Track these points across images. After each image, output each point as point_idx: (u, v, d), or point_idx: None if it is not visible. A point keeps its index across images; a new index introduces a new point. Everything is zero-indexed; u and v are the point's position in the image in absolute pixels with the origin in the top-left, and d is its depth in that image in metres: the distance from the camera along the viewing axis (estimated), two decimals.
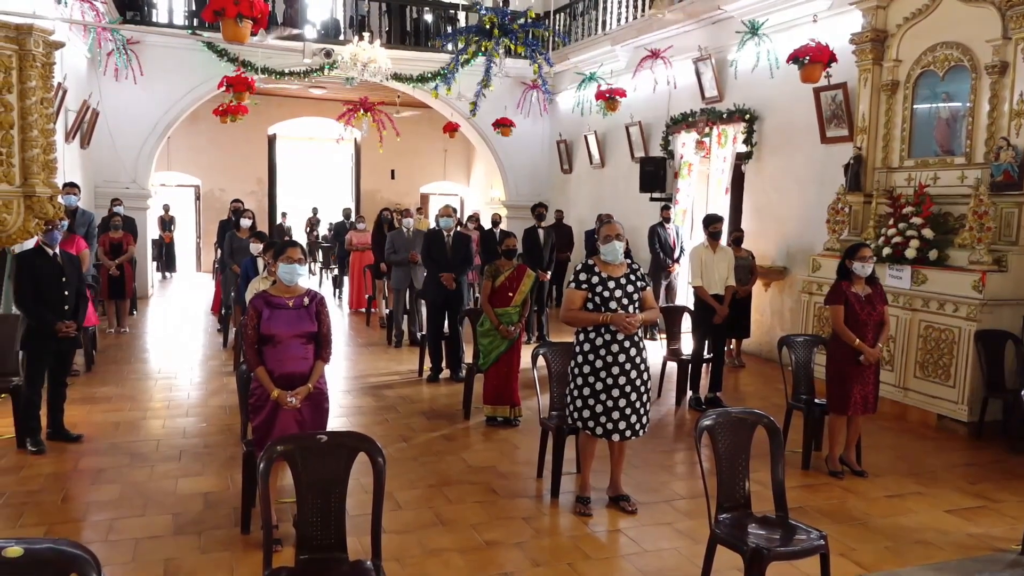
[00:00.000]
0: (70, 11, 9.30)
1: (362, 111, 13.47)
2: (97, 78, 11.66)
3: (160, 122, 12.56)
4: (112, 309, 9.76)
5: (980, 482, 5.11)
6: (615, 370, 4.25)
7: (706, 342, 6.84)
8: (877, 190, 7.29)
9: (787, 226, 8.94)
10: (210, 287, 13.63)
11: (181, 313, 11.77)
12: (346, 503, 2.98)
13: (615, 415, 4.27)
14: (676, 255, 9.94)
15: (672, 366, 7.21)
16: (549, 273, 9.53)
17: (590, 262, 4.39)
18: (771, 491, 3.45)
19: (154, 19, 12.72)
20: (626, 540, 4.16)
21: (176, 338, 9.66)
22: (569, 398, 4.43)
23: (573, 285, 4.33)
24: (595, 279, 4.29)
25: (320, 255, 16.86)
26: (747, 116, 9.42)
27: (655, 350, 7.86)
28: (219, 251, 11.05)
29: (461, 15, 13.92)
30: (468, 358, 7.18)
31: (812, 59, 7.45)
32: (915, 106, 7.06)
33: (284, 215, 18.15)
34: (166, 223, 16.71)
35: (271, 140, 18.29)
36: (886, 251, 6.66)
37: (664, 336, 7.72)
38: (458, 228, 8.38)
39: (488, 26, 11.30)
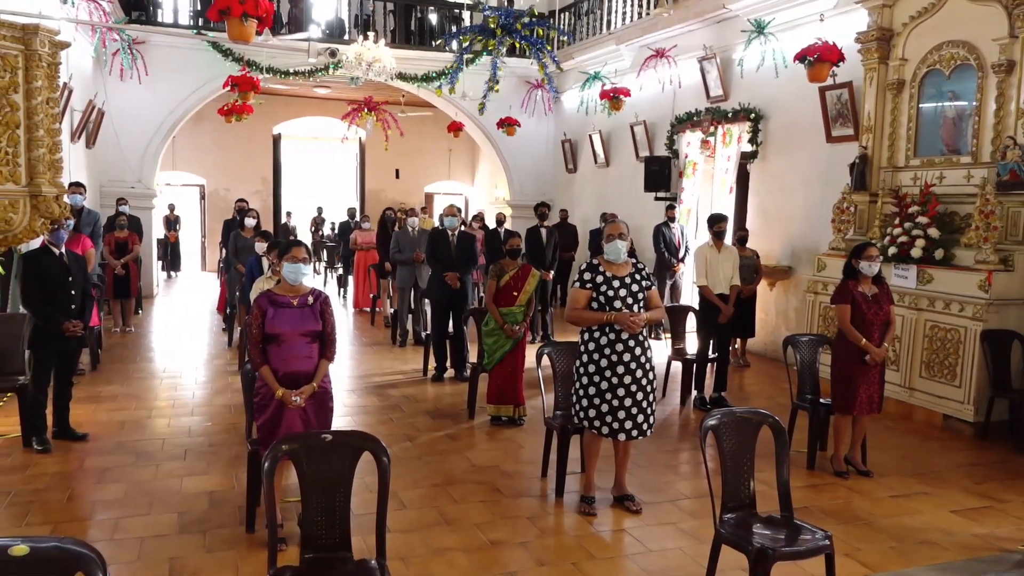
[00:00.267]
0: (76, 11, 9.32)
1: (366, 110, 13.48)
2: (103, 78, 11.69)
3: (165, 122, 12.59)
4: (117, 308, 9.78)
5: (986, 482, 5.09)
6: (620, 369, 4.25)
7: (711, 342, 6.83)
8: (883, 189, 7.27)
9: (792, 225, 8.92)
10: (215, 286, 13.65)
11: (186, 312, 11.80)
12: (351, 502, 2.98)
13: (620, 415, 4.27)
14: (681, 255, 9.92)
15: (677, 366, 7.20)
16: (552, 272, 9.52)
17: (595, 261, 4.38)
18: (776, 491, 3.44)
19: (159, 19, 12.75)
20: (631, 540, 4.16)
21: (181, 337, 9.68)
22: (575, 397, 4.43)
23: (578, 284, 4.33)
24: (599, 278, 4.29)
25: (324, 254, 16.89)
26: (752, 115, 9.40)
27: (660, 350, 7.87)
28: (224, 250, 11.07)
29: (466, 14, 13.91)
30: (473, 357, 7.18)
31: (821, 58, 7.41)
32: (921, 105, 7.04)
33: (289, 214, 18.19)
34: (171, 222, 16.75)
35: (276, 140, 18.32)
36: (892, 250, 6.64)
37: (669, 336, 7.72)
38: (462, 227, 8.37)
39: (492, 26, 11.29)
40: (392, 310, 10.11)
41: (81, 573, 1.97)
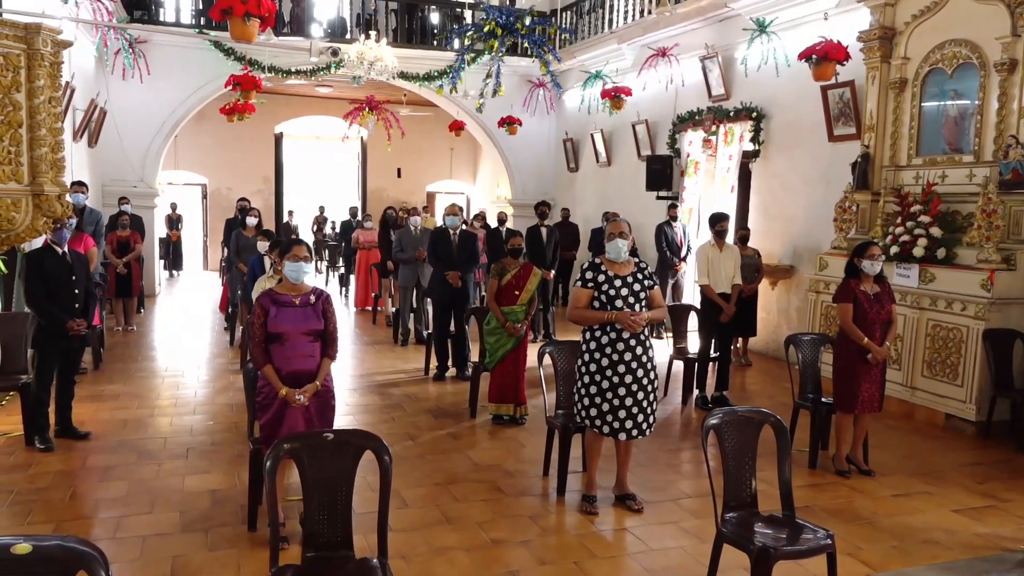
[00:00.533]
0: (78, 10, 9.32)
1: (368, 110, 13.49)
2: (105, 77, 11.70)
3: (167, 121, 12.60)
4: (119, 307, 9.79)
5: (988, 481, 5.09)
6: (621, 368, 4.25)
7: (713, 341, 6.83)
8: (885, 188, 7.26)
9: (794, 225, 8.92)
10: (217, 285, 13.68)
11: (188, 311, 11.82)
12: (352, 501, 2.98)
13: (621, 414, 4.27)
14: (683, 254, 9.92)
15: (679, 365, 7.20)
16: (552, 272, 9.52)
17: (597, 260, 4.38)
18: (778, 490, 3.44)
19: (162, 18, 12.76)
20: (632, 539, 4.16)
21: (183, 336, 9.69)
22: (576, 396, 4.44)
23: (579, 283, 4.33)
24: (601, 277, 4.29)
25: (326, 254, 16.90)
26: (754, 114, 9.39)
27: (662, 348, 7.87)
28: (226, 249, 11.09)
29: (468, 13, 13.91)
30: (474, 356, 7.18)
31: (828, 56, 7.39)
32: (923, 104, 7.03)
33: (291, 213, 18.21)
34: (173, 221, 16.77)
35: (278, 139, 18.33)
36: (894, 250, 6.63)
37: (671, 335, 7.71)
38: (463, 226, 8.37)
39: (489, 30, 11.30)
40: (393, 309, 10.12)
41: (83, 571, 1.98)
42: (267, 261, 7.10)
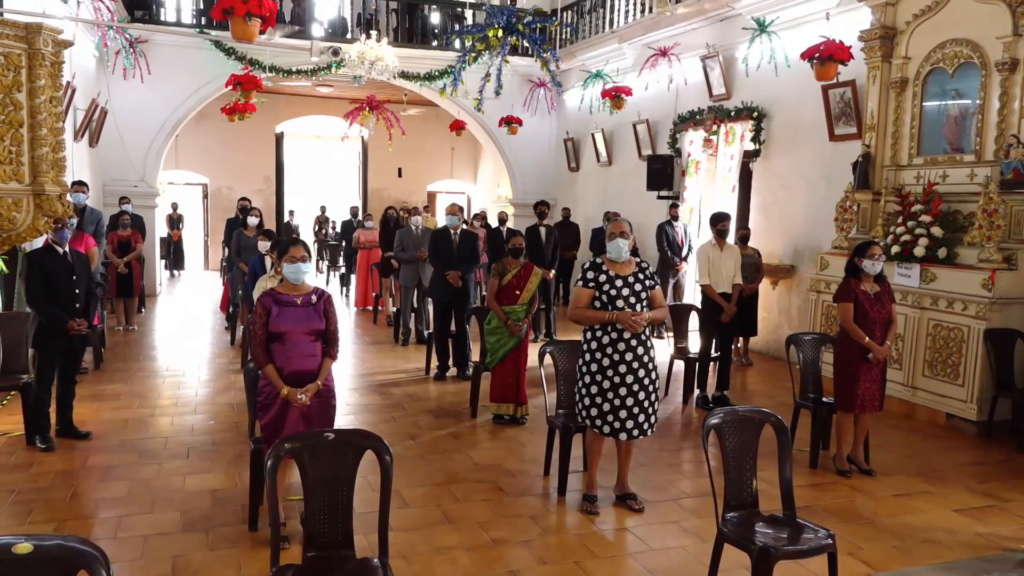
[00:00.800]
0: (78, 10, 9.33)
1: (368, 109, 13.49)
2: (106, 77, 11.70)
3: (168, 120, 12.61)
4: (120, 307, 9.80)
5: (989, 481, 5.08)
6: (622, 368, 4.25)
7: (713, 340, 6.82)
8: (886, 188, 7.26)
9: (795, 224, 8.92)
10: (218, 285, 13.68)
11: (189, 311, 11.82)
12: (353, 501, 2.99)
13: (622, 414, 4.27)
14: (684, 253, 9.92)
15: (679, 364, 7.19)
16: (552, 271, 9.52)
17: (598, 260, 4.38)
18: (779, 490, 3.43)
19: (163, 18, 12.76)
20: (633, 538, 4.16)
21: (184, 336, 9.70)
22: (577, 396, 4.43)
23: (580, 283, 4.33)
24: (602, 277, 4.28)
25: (327, 254, 16.89)
26: (755, 114, 9.39)
27: (662, 348, 7.87)
28: (227, 249, 11.10)
29: (468, 13, 13.91)
30: (475, 356, 7.18)
31: (833, 57, 7.38)
32: (924, 103, 7.02)
33: (292, 213, 18.21)
34: (174, 221, 16.78)
35: (278, 138, 18.33)
36: (895, 249, 6.63)
37: (671, 334, 7.71)
38: (464, 226, 8.37)
39: (492, 33, 11.31)
40: (394, 309, 10.12)
41: (84, 571, 1.98)
42: (268, 261, 7.11)
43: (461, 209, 8.14)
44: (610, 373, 4.26)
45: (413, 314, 9.44)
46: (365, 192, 19.07)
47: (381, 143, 14.91)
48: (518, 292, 6.12)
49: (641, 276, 4.34)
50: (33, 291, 5.20)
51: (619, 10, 12.43)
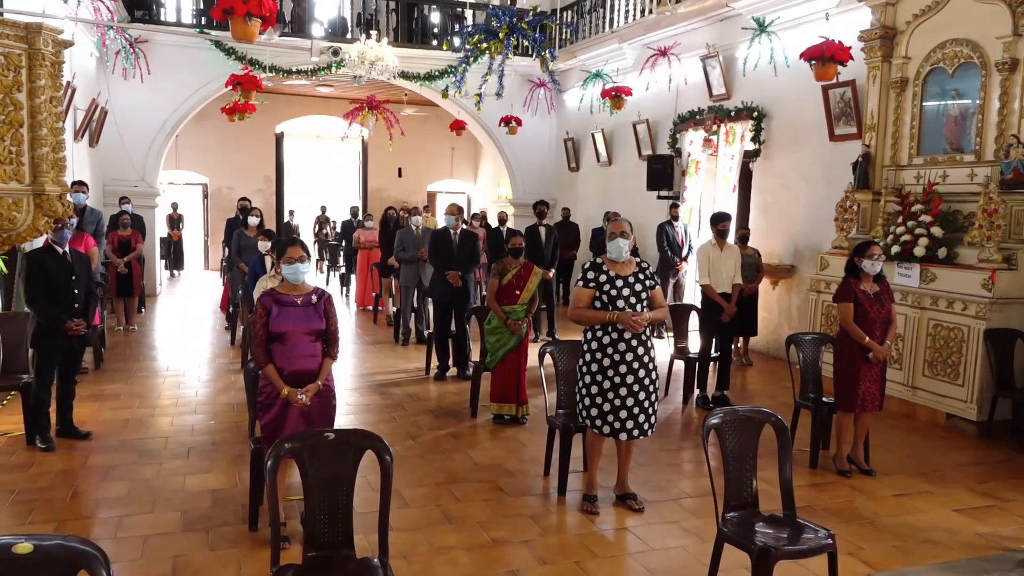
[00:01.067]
0: (78, 10, 9.32)
1: (367, 109, 13.49)
2: (106, 77, 11.71)
3: (168, 120, 12.61)
4: (120, 307, 9.80)
5: (989, 481, 5.08)
6: (622, 368, 4.25)
7: (713, 340, 6.82)
8: (886, 188, 7.26)
9: (795, 224, 8.92)
10: (218, 285, 13.69)
11: (189, 311, 11.82)
12: (353, 500, 2.99)
13: (623, 414, 4.27)
14: (684, 253, 9.92)
15: (679, 364, 7.19)
16: (552, 271, 9.52)
17: (598, 260, 4.38)
18: (779, 490, 3.43)
19: (163, 18, 12.76)
20: (633, 538, 4.16)
21: (184, 336, 9.70)
22: (577, 396, 4.44)
23: (581, 283, 4.33)
24: (603, 277, 4.28)
25: (327, 254, 16.90)
26: (755, 114, 9.39)
27: (662, 348, 7.87)
28: (227, 249, 11.10)
29: (468, 13, 13.91)
30: (475, 356, 7.18)
31: (835, 58, 7.37)
32: (924, 103, 7.02)
33: (292, 213, 18.21)
34: (174, 221, 16.78)
35: (278, 138, 18.34)
36: (895, 249, 6.63)
37: (671, 334, 7.71)
38: (464, 226, 8.37)
39: (497, 31, 11.30)
40: (394, 309, 10.12)
41: (85, 571, 1.98)
42: (268, 261, 7.11)
43: (461, 209, 8.15)
44: (610, 373, 4.26)
45: (413, 314, 9.44)
46: (365, 192, 19.07)
47: (381, 143, 14.91)
48: (518, 292, 6.12)
49: (641, 276, 4.34)
50: (33, 291, 5.20)
51: (619, 10, 12.43)
